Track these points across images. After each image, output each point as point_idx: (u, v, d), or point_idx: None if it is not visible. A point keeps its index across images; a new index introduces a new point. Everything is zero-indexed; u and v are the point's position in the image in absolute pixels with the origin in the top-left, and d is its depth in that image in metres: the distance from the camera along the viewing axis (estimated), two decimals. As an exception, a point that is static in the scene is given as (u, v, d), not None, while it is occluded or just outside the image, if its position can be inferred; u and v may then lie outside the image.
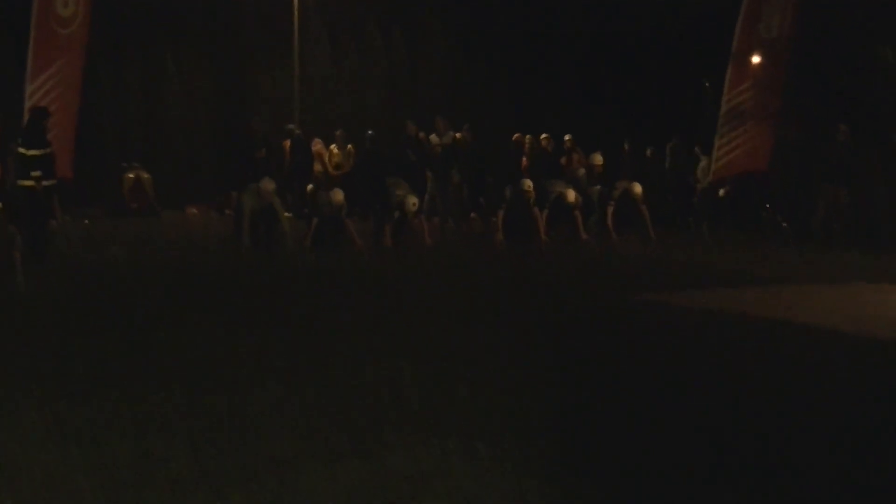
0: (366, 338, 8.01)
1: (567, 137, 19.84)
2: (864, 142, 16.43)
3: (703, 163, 18.79)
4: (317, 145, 20.40)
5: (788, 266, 13.25)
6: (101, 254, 14.02)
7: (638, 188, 16.92)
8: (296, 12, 22.55)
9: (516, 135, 20.33)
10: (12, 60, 16.79)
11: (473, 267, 13.18)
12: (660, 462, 5.06)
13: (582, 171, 18.34)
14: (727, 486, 4.73)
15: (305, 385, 6.44)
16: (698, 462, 5.06)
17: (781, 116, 17.92)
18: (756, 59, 17.88)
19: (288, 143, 20.20)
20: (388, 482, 4.71)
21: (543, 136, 19.87)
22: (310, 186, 18.78)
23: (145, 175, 21.14)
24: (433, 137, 19.05)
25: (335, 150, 20.74)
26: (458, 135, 19.46)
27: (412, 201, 15.29)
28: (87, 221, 18.20)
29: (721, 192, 18.27)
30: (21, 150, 13.49)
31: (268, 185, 14.87)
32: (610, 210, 16.91)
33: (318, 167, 20.18)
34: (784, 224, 17.39)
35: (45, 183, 13.41)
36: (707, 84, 20.10)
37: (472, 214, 19.62)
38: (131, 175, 20.98)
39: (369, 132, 20.13)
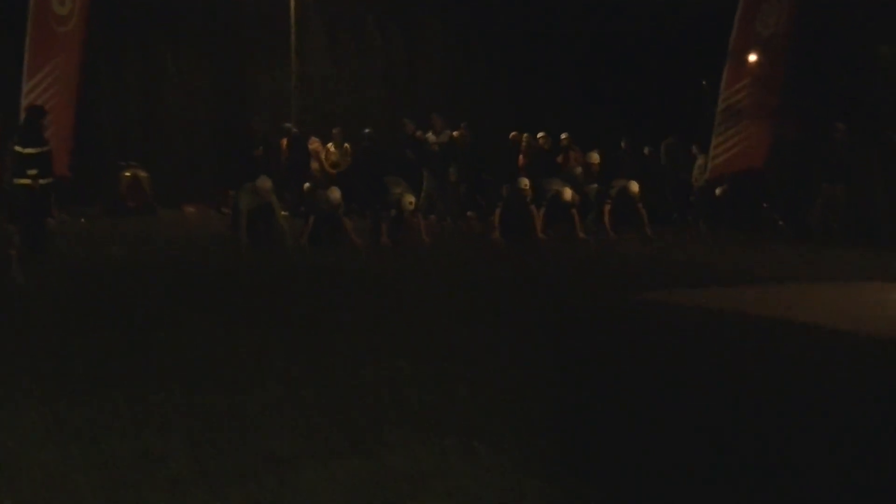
0: (365, 337, 8.01)
1: (564, 136, 19.85)
2: (863, 140, 16.44)
3: (699, 161, 18.81)
4: (314, 143, 20.40)
5: (788, 265, 13.26)
6: (101, 253, 14.00)
7: (635, 186, 16.93)
8: (292, 11, 22.52)
9: (513, 133, 20.33)
10: (9, 58, 16.75)
11: (472, 266, 13.18)
12: (660, 462, 5.05)
13: (579, 169, 18.37)
14: (727, 486, 4.73)
15: (305, 384, 6.44)
16: (698, 462, 5.06)
17: (779, 115, 17.93)
18: (753, 57, 17.89)
19: (285, 141, 20.23)
20: (388, 481, 4.70)
21: (540, 134, 19.87)
22: (307, 185, 18.79)
23: (142, 173, 21.12)
24: (430, 136, 19.06)
25: (332, 149, 20.72)
26: (455, 133, 19.48)
27: (409, 200, 15.31)
28: (83, 220, 18.18)
29: (718, 190, 18.29)
30: (18, 148, 13.49)
31: (265, 183, 14.88)
32: (607, 208, 16.94)
33: (315, 165, 20.17)
34: (780, 223, 17.41)
35: (41, 181, 13.42)
36: (704, 83, 20.10)
37: (470, 213, 19.63)
38: (128, 174, 20.96)
39: (366, 130, 20.16)
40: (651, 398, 6.29)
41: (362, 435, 5.36)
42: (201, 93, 23.91)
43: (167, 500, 4.49)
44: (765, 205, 18.14)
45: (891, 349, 7.87)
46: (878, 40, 17.65)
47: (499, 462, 4.96)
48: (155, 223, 18.77)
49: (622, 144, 19.79)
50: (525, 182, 16.36)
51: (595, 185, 17.62)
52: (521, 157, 19.88)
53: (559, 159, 19.49)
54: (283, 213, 16.05)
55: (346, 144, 20.78)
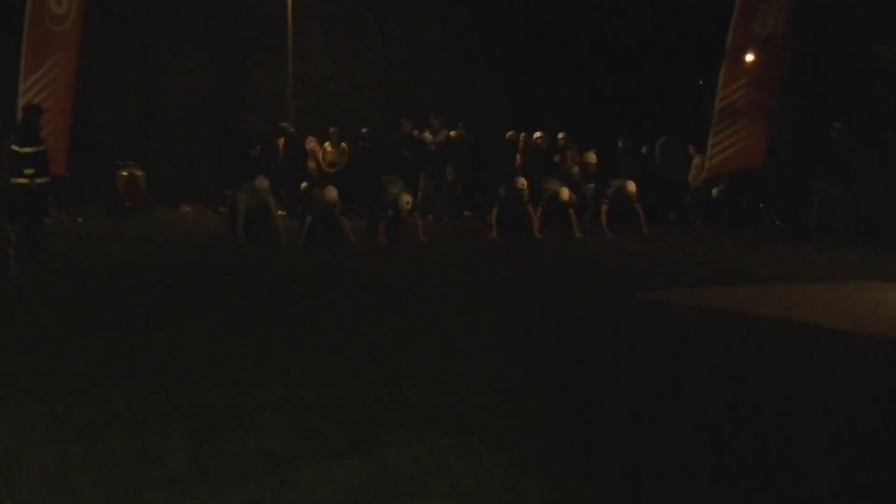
0: (365, 337, 8.00)
1: (561, 135, 19.86)
2: (862, 140, 16.45)
3: (696, 161, 18.81)
4: (311, 143, 20.38)
5: (787, 265, 13.25)
6: (99, 252, 13.98)
7: (632, 186, 16.94)
8: (289, 10, 22.49)
9: (510, 132, 20.33)
10: (6, 58, 16.74)
11: (470, 266, 13.17)
12: (660, 462, 5.05)
13: (576, 168, 18.39)
14: (727, 486, 4.73)
15: (305, 384, 6.43)
16: (698, 462, 5.06)
17: (776, 114, 17.93)
18: (750, 57, 17.88)
19: (282, 140, 20.22)
20: (387, 481, 4.70)
21: (538, 134, 19.87)
22: (304, 184, 18.79)
23: (139, 173, 21.11)
24: (427, 135, 19.06)
25: (329, 148, 20.72)
26: (452, 133, 19.48)
27: (406, 199, 15.31)
28: (80, 219, 18.17)
29: (715, 191, 18.29)
30: (15, 147, 13.48)
31: (262, 182, 14.89)
32: (604, 208, 16.95)
33: (312, 165, 20.16)
34: (778, 222, 17.41)
35: (38, 180, 13.41)
36: (701, 82, 20.12)
37: (467, 213, 19.63)
38: (125, 173, 20.95)
39: (364, 130, 20.16)
40: (651, 398, 6.29)
41: (362, 435, 5.36)
42: (200, 93, 23.89)
43: (167, 499, 4.48)
44: (761, 205, 18.14)
45: (891, 349, 7.88)
46: (878, 40, 17.65)
47: (499, 462, 4.96)
48: (153, 223, 18.75)
49: (619, 144, 19.81)
50: (522, 182, 16.37)
51: (592, 185, 17.63)
52: (518, 156, 19.90)
53: (556, 159, 19.50)
54: (279, 212, 16.06)
55: (343, 144, 20.78)
